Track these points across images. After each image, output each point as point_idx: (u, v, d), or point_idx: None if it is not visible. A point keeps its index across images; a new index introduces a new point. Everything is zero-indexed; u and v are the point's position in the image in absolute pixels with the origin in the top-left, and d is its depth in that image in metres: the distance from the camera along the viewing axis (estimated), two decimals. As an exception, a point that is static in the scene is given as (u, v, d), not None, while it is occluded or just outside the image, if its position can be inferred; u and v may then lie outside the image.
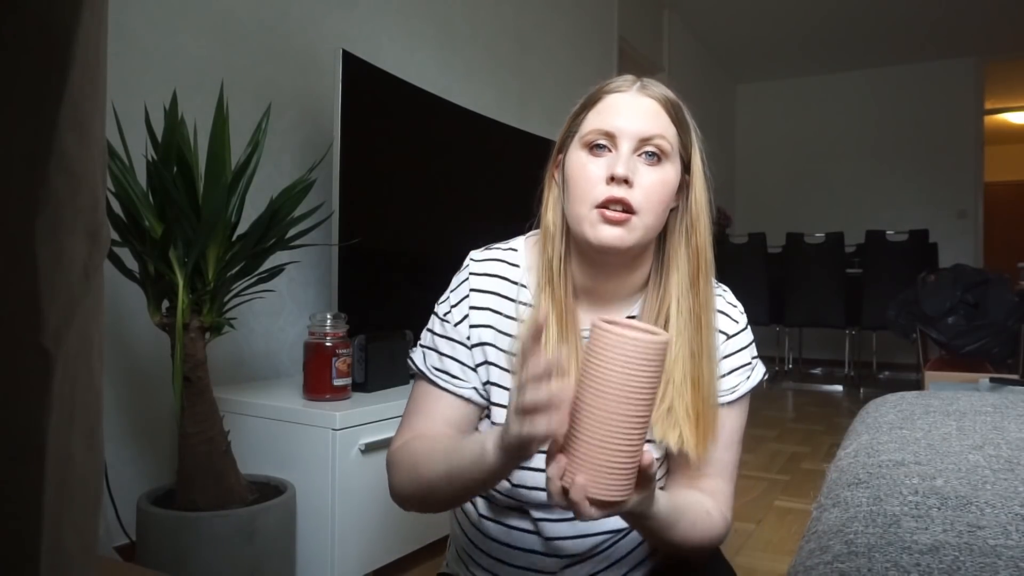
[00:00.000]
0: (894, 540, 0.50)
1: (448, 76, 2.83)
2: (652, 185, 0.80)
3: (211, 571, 1.29)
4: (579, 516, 0.66)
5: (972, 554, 0.47)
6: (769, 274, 5.15)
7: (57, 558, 0.32)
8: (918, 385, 4.27)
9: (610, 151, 0.82)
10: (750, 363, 0.91)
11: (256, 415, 1.64)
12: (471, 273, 0.91)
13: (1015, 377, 2.38)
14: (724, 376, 0.88)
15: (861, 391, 4.87)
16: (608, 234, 0.80)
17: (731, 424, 0.89)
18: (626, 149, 0.81)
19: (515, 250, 0.93)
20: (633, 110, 0.82)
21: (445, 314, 0.91)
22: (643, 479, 0.67)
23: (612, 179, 0.80)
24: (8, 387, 0.30)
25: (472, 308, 0.89)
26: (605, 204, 0.80)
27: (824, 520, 0.59)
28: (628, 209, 0.80)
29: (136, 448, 1.70)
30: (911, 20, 5.22)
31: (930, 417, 0.88)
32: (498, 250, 0.93)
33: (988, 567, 0.45)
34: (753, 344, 0.92)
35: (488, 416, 0.89)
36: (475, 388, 0.89)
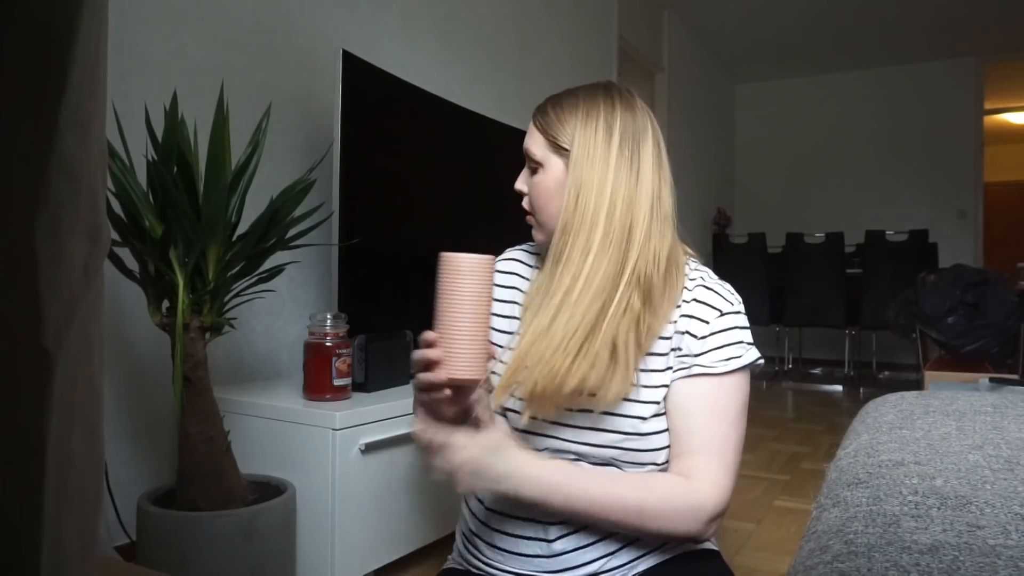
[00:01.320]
0: (894, 540, 0.50)
1: (448, 76, 2.83)
2: (533, 190, 1.01)
3: (211, 571, 1.29)
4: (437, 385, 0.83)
5: (972, 554, 0.47)
6: (769, 274, 5.15)
7: (57, 558, 0.32)
8: (918, 385, 4.27)
9: None
10: (742, 342, 0.97)
11: (256, 415, 1.64)
12: (499, 260, 1.12)
13: (1015, 377, 2.38)
14: (716, 349, 0.95)
15: (861, 391, 4.87)
16: (533, 233, 1.04)
17: (722, 398, 0.95)
18: (525, 168, 1.03)
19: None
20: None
21: None
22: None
23: None
24: (8, 387, 0.30)
25: (496, 286, 1.08)
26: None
27: (824, 520, 0.59)
28: (531, 213, 1.02)
29: (136, 448, 1.70)
30: (910, 20, 5.22)
31: (930, 417, 0.88)
32: (527, 244, 1.13)
33: (988, 567, 0.45)
34: (748, 331, 0.99)
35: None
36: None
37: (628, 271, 0.93)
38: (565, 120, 0.98)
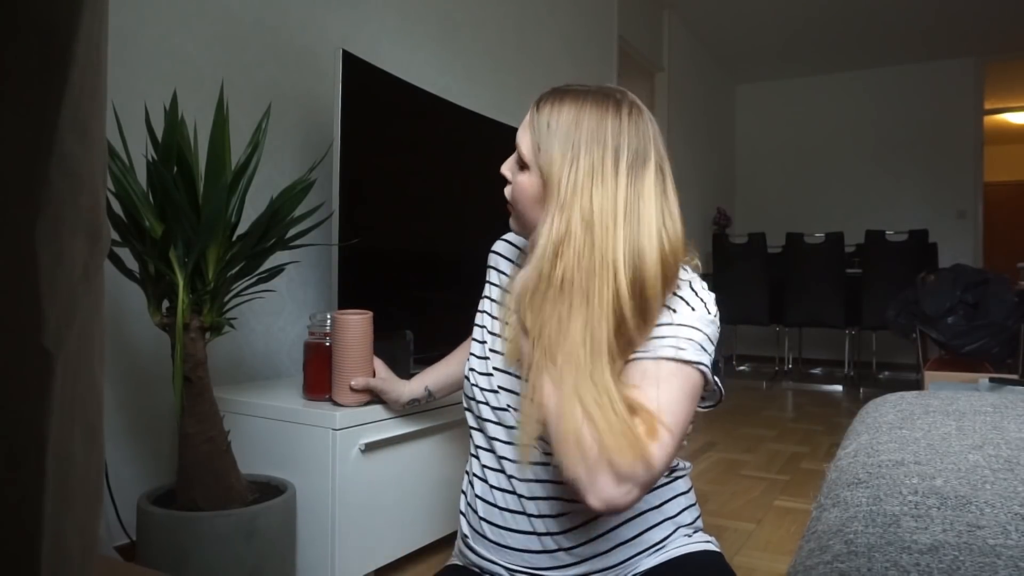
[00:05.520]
0: (894, 540, 0.50)
1: (448, 76, 2.83)
2: (516, 185, 0.96)
3: (211, 571, 1.29)
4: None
5: (972, 554, 0.47)
6: (769, 274, 5.15)
7: (57, 558, 0.32)
8: (918, 385, 4.27)
9: None
10: (692, 340, 0.88)
11: (256, 415, 1.64)
12: (495, 244, 1.18)
13: (1015, 377, 2.38)
14: (659, 338, 0.88)
15: (861, 391, 4.87)
16: (510, 222, 1.02)
17: (659, 373, 0.86)
18: (514, 155, 0.97)
19: None
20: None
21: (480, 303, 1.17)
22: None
23: None
24: (8, 387, 0.30)
25: (489, 267, 1.16)
26: None
27: (824, 520, 0.59)
28: (511, 203, 0.98)
29: (136, 448, 1.70)
30: (911, 20, 5.22)
31: (930, 417, 0.88)
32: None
33: (988, 567, 0.45)
34: (706, 339, 0.90)
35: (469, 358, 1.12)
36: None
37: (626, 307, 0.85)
38: (565, 133, 0.88)
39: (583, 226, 0.86)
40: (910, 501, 0.57)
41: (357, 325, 1.47)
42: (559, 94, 0.92)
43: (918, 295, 2.97)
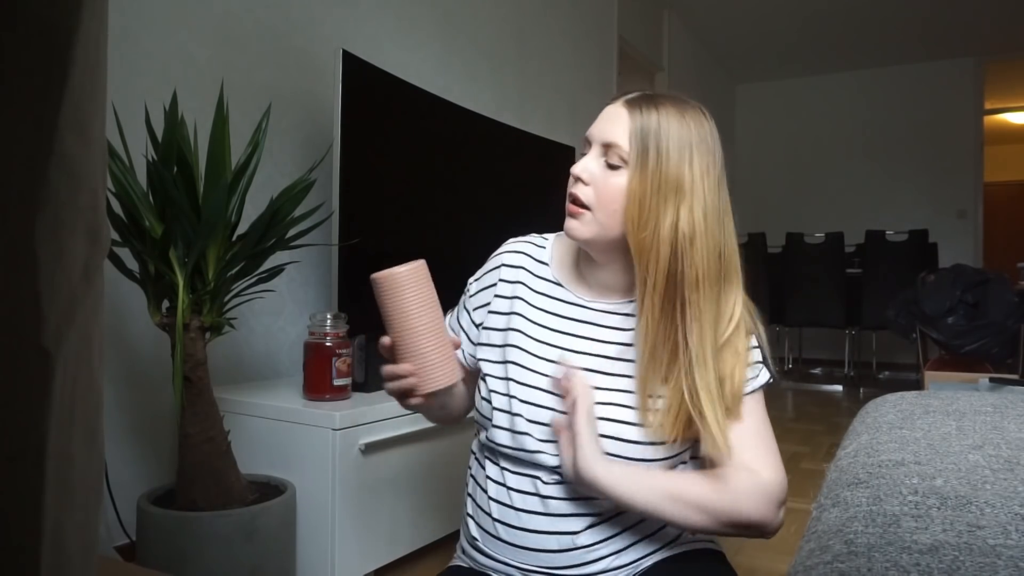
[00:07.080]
0: (894, 540, 0.50)
1: (448, 76, 2.83)
2: (605, 187, 0.90)
3: (211, 571, 1.29)
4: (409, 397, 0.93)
5: (972, 554, 0.47)
6: (769, 274, 5.15)
7: (57, 558, 0.32)
8: (918, 385, 4.27)
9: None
10: (756, 364, 0.96)
11: (256, 415, 1.64)
12: (505, 252, 1.07)
13: (1015, 377, 2.38)
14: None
15: (861, 391, 4.87)
16: (568, 224, 0.93)
17: (748, 406, 0.94)
18: (593, 152, 0.92)
19: (546, 239, 1.07)
20: (606, 118, 0.93)
21: (469, 287, 1.10)
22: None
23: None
24: (8, 387, 0.30)
25: (501, 280, 1.05)
26: (571, 199, 0.93)
27: (824, 520, 0.59)
28: (582, 204, 0.91)
29: (136, 448, 1.70)
30: (911, 20, 5.22)
31: (930, 417, 0.88)
32: (534, 235, 1.08)
33: (988, 567, 0.45)
34: (757, 350, 0.97)
35: (483, 379, 1.01)
36: (462, 350, 1.06)
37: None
38: (678, 134, 0.89)
39: (705, 222, 0.89)
40: (910, 501, 0.57)
41: (414, 279, 0.91)
42: (655, 97, 0.93)
43: (918, 295, 2.97)
